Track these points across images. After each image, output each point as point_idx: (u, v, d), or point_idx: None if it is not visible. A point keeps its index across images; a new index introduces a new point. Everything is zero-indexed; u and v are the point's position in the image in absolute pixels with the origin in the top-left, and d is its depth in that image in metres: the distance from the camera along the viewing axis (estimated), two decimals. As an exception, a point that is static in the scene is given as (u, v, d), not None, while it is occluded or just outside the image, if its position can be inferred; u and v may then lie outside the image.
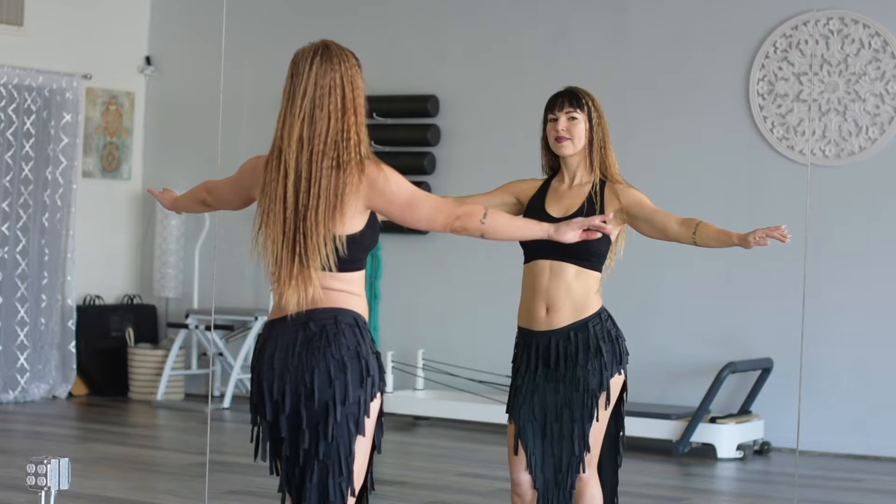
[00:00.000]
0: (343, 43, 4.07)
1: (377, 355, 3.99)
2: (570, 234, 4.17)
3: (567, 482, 4.87)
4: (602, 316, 4.91)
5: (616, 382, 4.90)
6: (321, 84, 3.94)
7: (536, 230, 4.16)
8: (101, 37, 11.44)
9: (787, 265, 9.25)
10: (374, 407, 3.97)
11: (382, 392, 4.00)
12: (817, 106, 9.43)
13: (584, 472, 4.85)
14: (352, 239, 3.94)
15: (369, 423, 3.96)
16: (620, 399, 4.96)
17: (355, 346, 3.94)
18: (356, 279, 4.00)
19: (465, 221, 4.03)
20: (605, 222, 4.23)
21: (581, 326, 4.88)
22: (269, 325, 4.04)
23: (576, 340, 4.87)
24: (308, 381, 3.92)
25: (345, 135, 3.94)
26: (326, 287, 3.95)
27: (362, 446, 3.96)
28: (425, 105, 10.63)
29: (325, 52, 3.97)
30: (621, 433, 5.02)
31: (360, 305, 4.00)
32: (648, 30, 9.93)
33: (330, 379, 3.91)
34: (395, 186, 3.94)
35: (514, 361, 5.02)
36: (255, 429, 4.06)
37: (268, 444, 4.03)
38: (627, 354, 4.95)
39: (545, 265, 4.90)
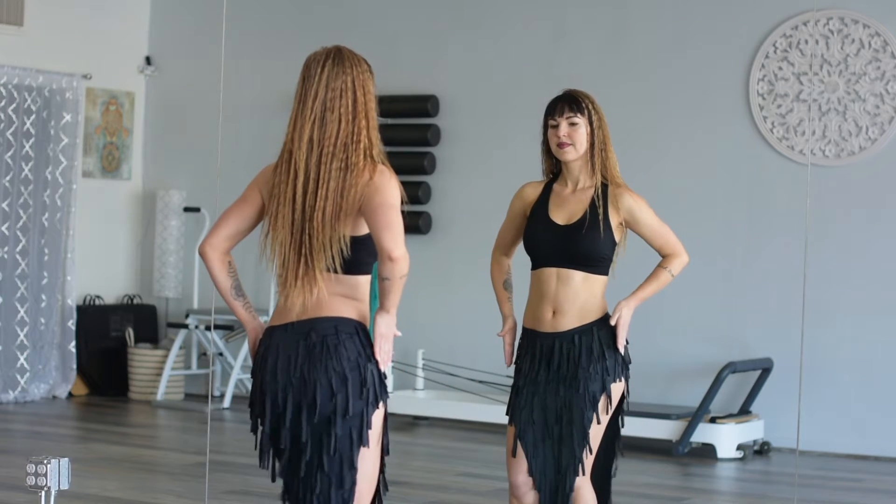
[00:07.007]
0: (343, 43, 4.07)
1: (377, 364, 3.96)
2: None
3: (566, 483, 4.86)
4: (608, 322, 4.91)
5: (616, 388, 4.89)
6: (332, 87, 3.95)
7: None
8: (101, 37, 11.43)
9: (786, 265, 9.25)
10: (377, 417, 3.96)
11: (385, 401, 3.98)
12: (817, 106, 9.43)
13: (583, 473, 4.83)
14: (357, 241, 3.93)
15: (372, 434, 3.95)
16: (619, 407, 4.94)
17: (356, 356, 3.92)
18: (361, 284, 3.98)
19: (394, 267, 3.87)
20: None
21: (586, 330, 4.88)
22: (268, 332, 4.01)
23: (580, 344, 4.87)
24: (310, 395, 3.91)
25: (355, 137, 3.95)
26: (331, 291, 3.94)
27: (369, 456, 3.96)
28: (425, 105, 10.63)
29: (337, 56, 3.98)
30: (618, 441, 5.00)
31: (361, 312, 3.97)
32: (648, 29, 9.93)
33: (332, 392, 3.90)
34: (394, 190, 3.90)
35: (516, 361, 5.02)
36: (258, 436, 4.05)
37: (270, 451, 4.03)
38: (630, 362, 4.94)
39: (552, 272, 4.90)
